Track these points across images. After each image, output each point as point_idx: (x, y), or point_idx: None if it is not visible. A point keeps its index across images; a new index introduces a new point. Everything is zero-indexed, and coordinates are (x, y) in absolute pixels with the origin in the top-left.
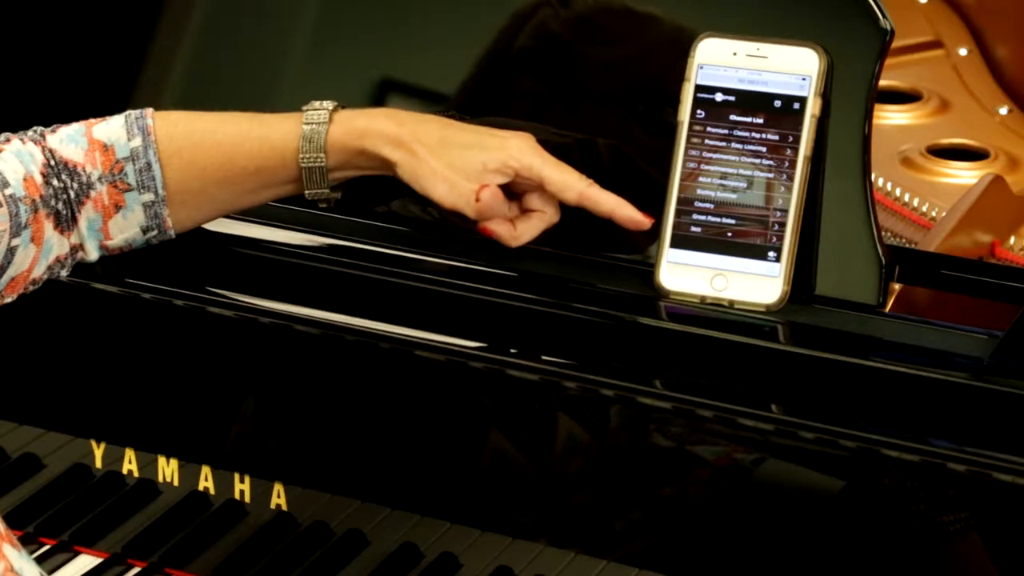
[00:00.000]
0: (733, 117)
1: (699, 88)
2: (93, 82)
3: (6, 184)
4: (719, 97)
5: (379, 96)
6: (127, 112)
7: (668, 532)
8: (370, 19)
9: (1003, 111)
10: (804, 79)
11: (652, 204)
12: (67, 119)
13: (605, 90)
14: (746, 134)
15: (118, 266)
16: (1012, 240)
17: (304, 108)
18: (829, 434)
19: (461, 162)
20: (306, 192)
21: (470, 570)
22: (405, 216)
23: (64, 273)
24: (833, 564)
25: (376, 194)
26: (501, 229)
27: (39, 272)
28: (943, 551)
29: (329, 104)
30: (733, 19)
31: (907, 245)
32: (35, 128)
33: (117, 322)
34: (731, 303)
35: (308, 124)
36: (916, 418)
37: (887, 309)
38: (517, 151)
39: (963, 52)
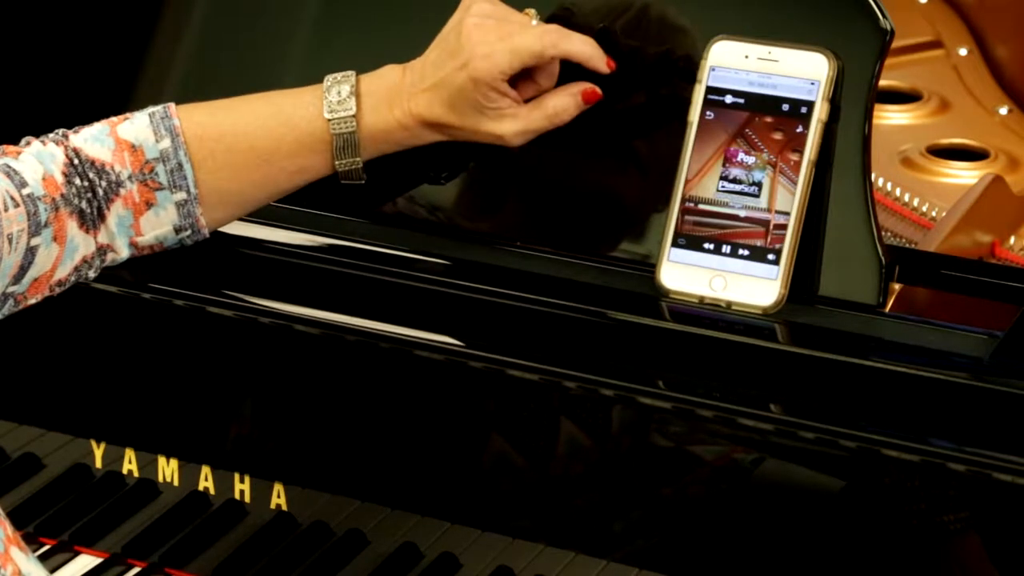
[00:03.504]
0: (741, 119)
1: (710, 90)
2: (93, 80)
3: (24, 184)
4: (729, 99)
5: None
6: (149, 110)
7: (668, 532)
8: (370, 18)
9: (1003, 111)
10: (813, 84)
11: (651, 200)
12: (68, 116)
13: (606, 92)
14: (753, 137)
15: (117, 266)
16: (1012, 240)
17: (325, 94)
18: (829, 434)
19: (481, 100)
20: (341, 180)
21: (470, 570)
22: (405, 216)
23: (92, 275)
24: (833, 564)
25: (376, 194)
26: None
27: (64, 273)
28: (943, 551)
29: (345, 87)
30: (733, 18)
31: (907, 245)
32: (56, 130)
33: (117, 322)
34: (729, 304)
35: (337, 131)
36: (916, 418)
37: (887, 309)
38: (485, 63)
39: (963, 52)
